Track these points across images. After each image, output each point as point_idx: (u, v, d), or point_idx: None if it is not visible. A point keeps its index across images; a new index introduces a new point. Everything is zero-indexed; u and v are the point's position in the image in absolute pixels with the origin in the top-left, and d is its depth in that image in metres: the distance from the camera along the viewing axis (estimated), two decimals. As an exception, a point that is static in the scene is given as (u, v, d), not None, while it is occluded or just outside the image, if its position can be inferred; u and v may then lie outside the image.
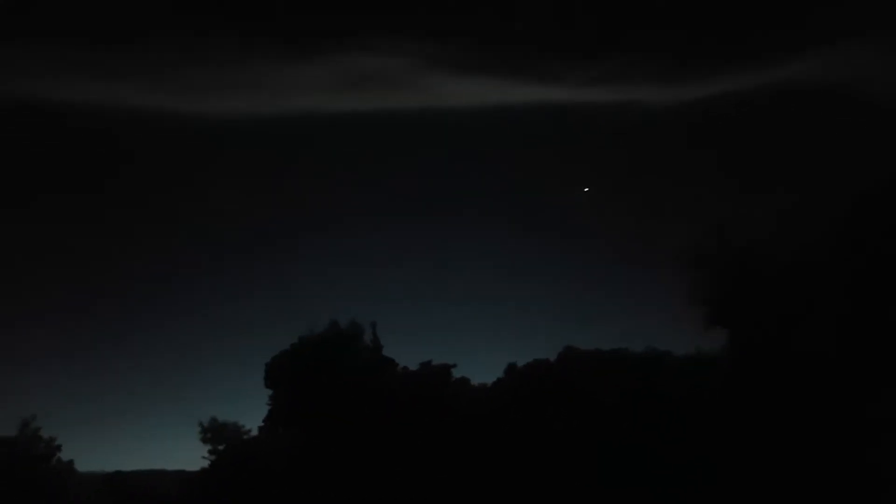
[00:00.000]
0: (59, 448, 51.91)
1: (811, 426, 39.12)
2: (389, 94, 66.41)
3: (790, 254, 43.62)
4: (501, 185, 66.02)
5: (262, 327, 60.44)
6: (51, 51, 63.06)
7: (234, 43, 63.61)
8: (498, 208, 66.73)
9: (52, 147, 62.79)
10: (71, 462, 52.24)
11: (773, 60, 61.52)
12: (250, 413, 52.05)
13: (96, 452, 54.77)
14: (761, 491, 38.59)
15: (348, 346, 50.95)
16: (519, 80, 66.47)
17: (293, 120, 64.78)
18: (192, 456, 51.52)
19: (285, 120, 64.76)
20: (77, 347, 61.82)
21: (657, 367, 46.71)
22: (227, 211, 65.53)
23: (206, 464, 51.25)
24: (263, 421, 51.14)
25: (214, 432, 51.77)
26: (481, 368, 53.33)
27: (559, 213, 64.61)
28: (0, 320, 61.08)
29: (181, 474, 52.40)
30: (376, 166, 66.68)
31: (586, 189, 64.13)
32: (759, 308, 44.23)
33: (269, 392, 50.86)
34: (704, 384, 43.29)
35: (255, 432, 51.65)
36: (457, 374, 52.04)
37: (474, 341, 59.63)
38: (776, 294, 43.46)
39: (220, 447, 51.50)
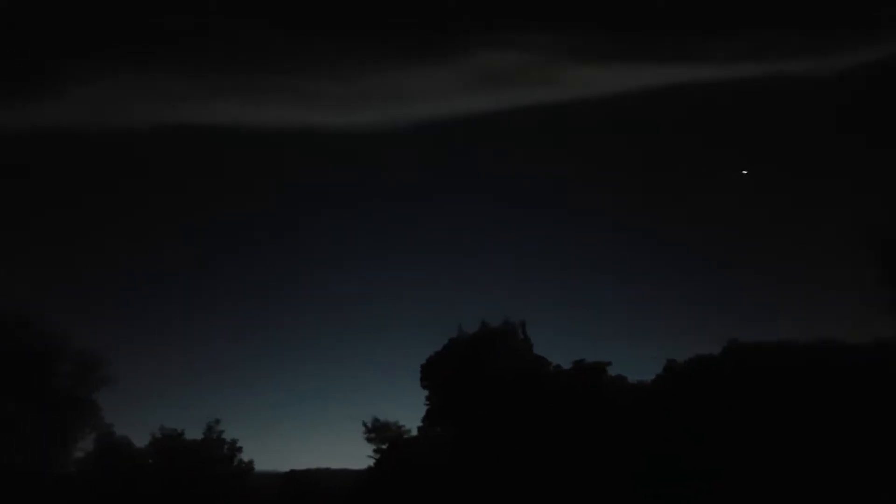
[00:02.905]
0: (240, 449, 54.91)
1: None
2: (527, 90, 65.82)
3: None
4: (652, 174, 63.31)
5: (419, 328, 61.89)
6: (201, 78, 68.08)
7: (367, 53, 65.60)
8: (650, 197, 64.11)
9: (211, 168, 67.83)
10: (251, 462, 55.16)
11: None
12: (410, 413, 53.45)
13: (272, 453, 58.28)
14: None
15: (499, 345, 50.93)
16: (659, 62, 63.49)
17: (433, 125, 65.76)
18: (357, 454, 53.68)
19: (426, 125, 65.88)
20: (254, 356, 66.35)
21: (832, 359, 42.81)
22: (379, 217, 67.87)
23: (370, 462, 53.17)
24: (422, 420, 52.26)
25: (377, 432, 53.52)
26: (639, 366, 51.46)
27: (717, 199, 60.89)
28: (183, 334, 66.71)
29: (346, 472, 54.67)
30: (520, 164, 66.17)
31: (744, 172, 60.10)
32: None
33: (426, 392, 51.94)
34: (886, 377, 39.13)
35: (414, 432, 52.87)
36: (612, 371, 50.67)
37: (631, 338, 57.62)
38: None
39: (383, 446, 53.15)
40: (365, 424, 53.47)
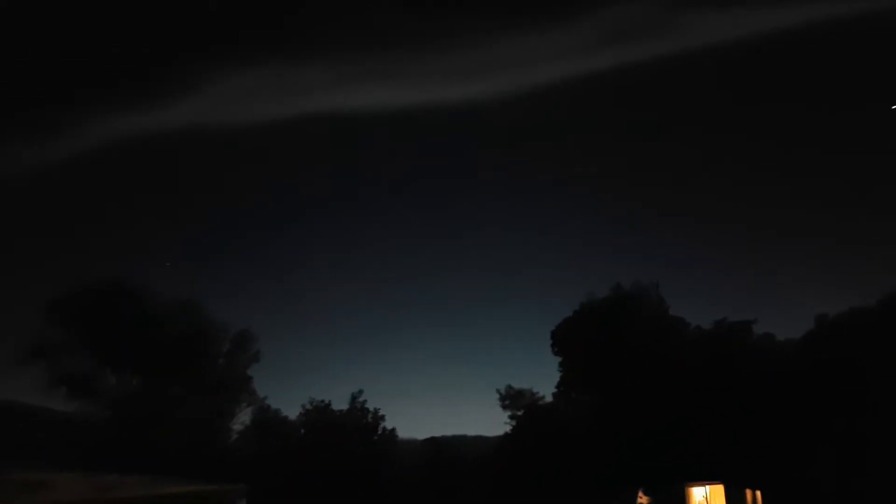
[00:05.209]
0: (382, 418, 56.05)
1: None
2: (649, 42, 61.83)
3: None
4: (792, 120, 57.98)
5: (553, 295, 60.72)
6: (326, 66, 69.34)
7: (478, 24, 63.93)
8: (791, 144, 58.89)
9: (346, 151, 69.44)
10: (393, 430, 56.19)
11: None
12: (545, 380, 52.87)
13: (411, 421, 59.34)
14: None
15: (632, 308, 49.18)
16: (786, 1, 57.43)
17: (555, 88, 63.45)
18: (493, 422, 53.74)
19: (546, 89, 63.70)
20: (392, 329, 68.10)
21: None
22: (502, 185, 67.11)
23: (506, 429, 53.23)
24: (556, 387, 51.59)
25: (512, 399, 53.32)
26: (787, 322, 48.07)
27: (865, 138, 54.81)
28: (325, 310, 69.56)
29: (482, 439, 54.95)
30: (650, 121, 62.65)
31: (894, 107, 53.82)
32: None
33: (559, 359, 51.15)
34: None
35: (549, 398, 52.29)
36: (759, 330, 47.73)
37: (778, 294, 53.51)
38: None
39: (519, 413, 52.92)
40: (499, 392, 53.41)
